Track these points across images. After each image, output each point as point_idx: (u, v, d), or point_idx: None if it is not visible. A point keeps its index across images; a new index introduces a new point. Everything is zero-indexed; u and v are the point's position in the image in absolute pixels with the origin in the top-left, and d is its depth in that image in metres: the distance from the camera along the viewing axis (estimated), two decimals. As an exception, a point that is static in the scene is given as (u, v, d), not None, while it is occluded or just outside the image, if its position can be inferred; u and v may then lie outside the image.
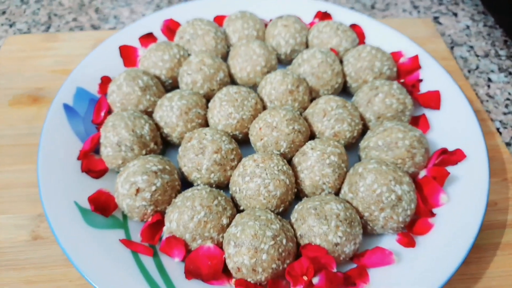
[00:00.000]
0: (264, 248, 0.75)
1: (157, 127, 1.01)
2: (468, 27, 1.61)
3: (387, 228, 0.85)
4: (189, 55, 1.17)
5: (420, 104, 1.09)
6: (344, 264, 0.84)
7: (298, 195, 0.93)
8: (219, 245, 0.82)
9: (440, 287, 0.76)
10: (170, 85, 1.14)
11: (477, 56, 1.49)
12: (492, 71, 1.43)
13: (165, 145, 1.05)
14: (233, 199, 0.90)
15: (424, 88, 1.13)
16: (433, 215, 0.88)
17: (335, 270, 0.78)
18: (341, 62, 1.17)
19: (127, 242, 0.84)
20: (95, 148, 0.98)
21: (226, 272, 0.80)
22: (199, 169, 0.90)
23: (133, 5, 1.66)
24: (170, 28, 1.25)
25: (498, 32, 1.59)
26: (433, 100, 1.08)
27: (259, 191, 0.85)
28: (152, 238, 0.86)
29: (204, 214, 0.81)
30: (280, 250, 0.76)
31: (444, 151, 0.95)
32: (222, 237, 0.82)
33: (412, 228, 0.87)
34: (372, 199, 0.83)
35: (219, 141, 0.92)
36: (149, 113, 1.03)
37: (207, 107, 1.04)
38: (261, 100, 1.05)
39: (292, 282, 0.76)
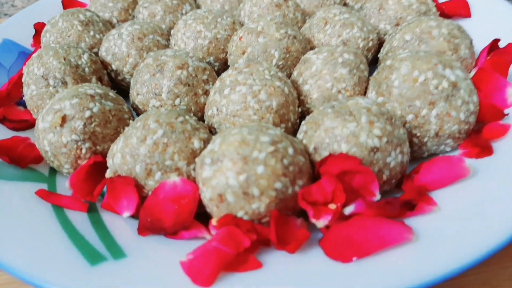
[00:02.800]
0: (258, 157, 0.45)
1: (104, 67, 0.75)
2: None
3: (443, 135, 0.56)
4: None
5: (446, 14, 0.84)
6: (389, 194, 0.54)
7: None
8: (190, 181, 0.52)
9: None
10: (125, 33, 0.90)
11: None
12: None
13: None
14: (211, 131, 0.61)
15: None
16: (504, 115, 0.59)
17: (377, 196, 0.48)
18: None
19: (45, 194, 0.54)
20: (19, 97, 0.71)
21: (201, 219, 0.49)
22: (157, 94, 0.63)
23: None
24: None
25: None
26: (461, 7, 0.84)
27: (246, 103, 0.57)
28: (89, 190, 0.55)
29: (162, 133, 0.52)
30: (285, 161, 0.46)
31: (494, 44, 0.69)
32: (194, 169, 0.52)
33: (479, 135, 0.58)
34: (415, 92, 0.56)
35: (185, 56, 0.65)
36: (95, 54, 0.78)
37: (170, 36, 0.79)
38: (240, 23, 0.81)
39: (313, 212, 0.46)
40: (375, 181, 0.48)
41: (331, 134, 0.50)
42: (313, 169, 0.51)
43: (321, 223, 0.45)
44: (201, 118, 0.65)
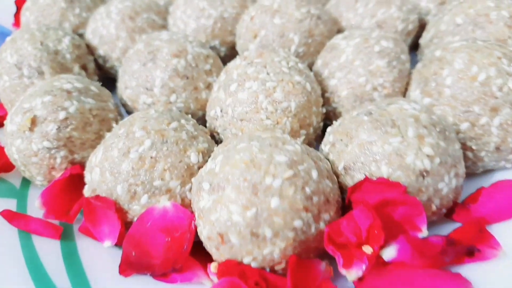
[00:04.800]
0: (272, 185, 0.34)
1: (89, 51, 0.63)
2: None
3: (506, 149, 0.44)
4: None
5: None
6: (437, 225, 0.43)
7: (328, 124, 0.54)
8: (186, 205, 0.41)
9: None
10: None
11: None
12: None
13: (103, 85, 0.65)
14: (213, 136, 0.50)
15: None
16: None
17: (424, 232, 0.37)
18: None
19: (10, 215, 0.44)
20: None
21: (199, 255, 0.39)
22: (149, 88, 0.52)
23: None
24: None
25: None
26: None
27: (257, 104, 0.45)
28: (65, 209, 0.46)
29: (150, 144, 0.41)
30: (307, 190, 0.35)
31: None
32: (191, 189, 0.41)
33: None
34: (473, 94, 0.43)
35: (183, 40, 0.54)
36: (80, 36, 0.66)
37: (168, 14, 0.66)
38: (253, 0, 0.68)
39: (343, 258, 0.35)
40: (422, 214, 0.37)
41: (367, 151, 0.39)
42: (342, 193, 0.40)
43: (353, 274, 0.34)
44: (202, 117, 0.54)
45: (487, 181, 0.47)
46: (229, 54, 0.63)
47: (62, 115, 0.46)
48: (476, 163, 0.46)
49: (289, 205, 0.34)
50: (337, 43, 0.53)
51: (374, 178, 0.38)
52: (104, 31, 0.61)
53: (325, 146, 0.44)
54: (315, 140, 0.50)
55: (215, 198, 0.36)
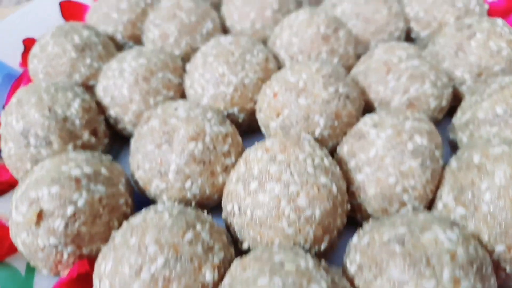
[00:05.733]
0: None
1: (100, 109, 0.60)
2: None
3: (547, 276, 0.41)
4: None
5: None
6: None
7: (353, 218, 0.50)
8: (199, 326, 0.39)
9: None
10: (131, 50, 0.74)
11: None
12: None
13: (114, 142, 0.63)
14: (228, 229, 0.47)
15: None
16: None
17: None
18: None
19: (13, 323, 0.42)
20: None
21: None
22: (163, 174, 0.49)
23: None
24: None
25: None
26: None
27: (279, 210, 0.42)
28: (71, 309, 0.43)
29: (163, 262, 0.38)
30: None
31: None
32: (205, 308, 0.39)
33: None
34: (515, 217, 0.40)
35: (201, 118, 0.50)
36: (91, 88, 0.63)
37: (185, 72, 0.63)
38: (275, 58, 0.64)
39: None
40: None
41: (398, 292, 0.36)
42: (366, 327, 0.38)
43: None
44: (217, 200, 0.51)
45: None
46: (248, 119, 0.59)
47: (70, 210, 0.43)
48: (507, 282, 0.43)
49: None
50: (366, 131, 0.49)
51: (405, 324, 0.35)
52: (116, 92, 0.57)
53: (350, 264, 0.41)
54: (338, 237, 0.47)
55: None
